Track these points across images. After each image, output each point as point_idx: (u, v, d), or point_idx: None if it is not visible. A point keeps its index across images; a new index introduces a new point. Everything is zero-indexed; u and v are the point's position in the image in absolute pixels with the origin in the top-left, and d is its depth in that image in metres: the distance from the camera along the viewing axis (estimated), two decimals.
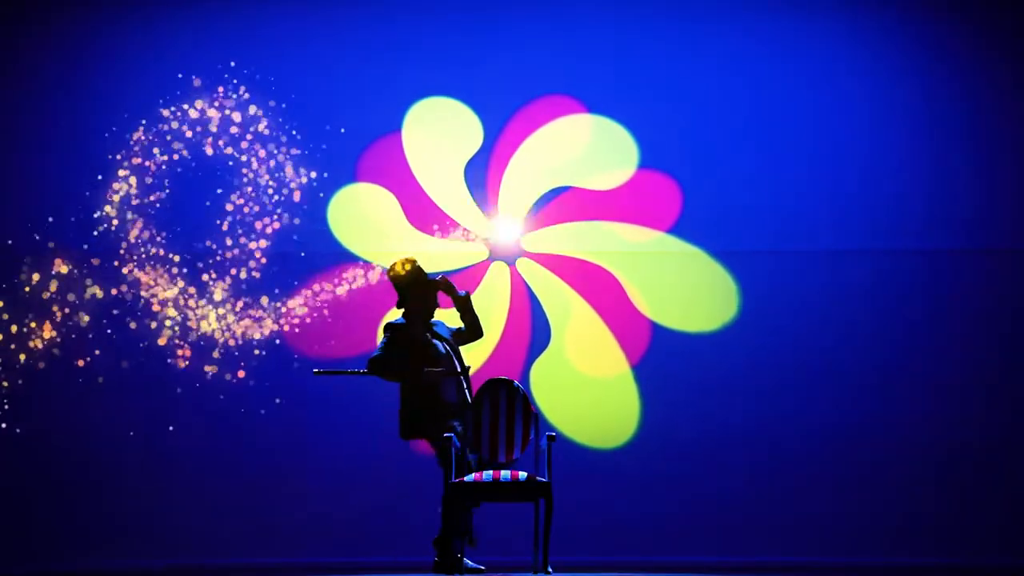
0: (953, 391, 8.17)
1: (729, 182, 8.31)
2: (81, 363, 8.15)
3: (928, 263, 8.27)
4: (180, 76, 8.31)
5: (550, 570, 6.41)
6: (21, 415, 8.10)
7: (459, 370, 6.74)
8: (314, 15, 8.41)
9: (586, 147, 8.40)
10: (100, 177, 8.24)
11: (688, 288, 8.30)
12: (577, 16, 8.42)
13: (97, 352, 8.16)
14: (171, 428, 8.10)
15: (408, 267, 6.84)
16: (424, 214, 8.34)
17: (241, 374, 8.17)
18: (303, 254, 8.28)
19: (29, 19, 8.36)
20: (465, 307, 6.92)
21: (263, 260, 8.27)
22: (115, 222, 8.27)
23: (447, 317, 7.05)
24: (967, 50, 8.40)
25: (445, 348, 6.77)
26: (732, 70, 8.38)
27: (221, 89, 8.32)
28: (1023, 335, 8.21)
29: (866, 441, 8.12)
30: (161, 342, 8.19)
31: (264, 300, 8.27)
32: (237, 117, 8.33)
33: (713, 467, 8.11)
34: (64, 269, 8.21)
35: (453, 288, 6.90)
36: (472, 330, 6.96)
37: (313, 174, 8.32)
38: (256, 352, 8.22)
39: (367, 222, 8.35)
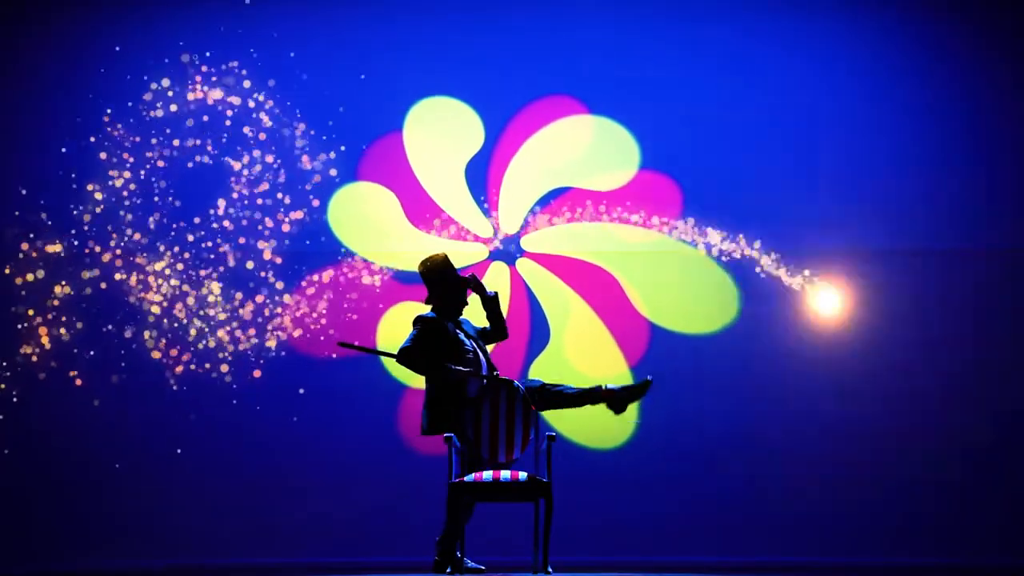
0: (953, 391, 8.16)
1: (729, 183, 8.31)
2: (81, 365, 8.16)
3: (928, 263, 8.26)
4: (178, 76, 8.32)
5: (550, 570, 6.40)
6: (21, 415, 8.11)
7: (486, 371, 6.69)
8: (314, 15, 8.41)
9: (587, 148, 8.40)
10: (95, 177, 8.26)
11: (688, 289, 8.30)
12: (578, 16, 8.42)
13: (96, 352, 8.17)
14: (179, 451, 8.11)
15: (438, 262, 6.79)
16: (425, 213, 8.34)
17: (257, 373, 8.18)
18: (303, 253, 8.29)
19: (29, 19, 8.36)
20: (492, 307, 6.89)
21: (277, 260, 8.27)
22: (96, 209, 8.27)
23: (471, 316, 7.01)
24: (967, 50, 8.40)
25: (472, 346, 6.75)
26: (732, 70, 8.38)
27: (221, 89, 8.32)
28: (1023, 335, 8.22)
29: (866, 441, 8.12)
30: (156, 346, 8.19)
31: (260, 299, 8.27)
32: (238, 117, 8.34)
33: (713, 467, 8.11)
34: (65, 268, 8.22)
35: (482, 287, 6.86)
36: (497, 330, 6.93)
37: (316, 172, 8.34)
38: (256, 352, 8.22)
39: (367, 221, 8.34)
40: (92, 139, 8.27)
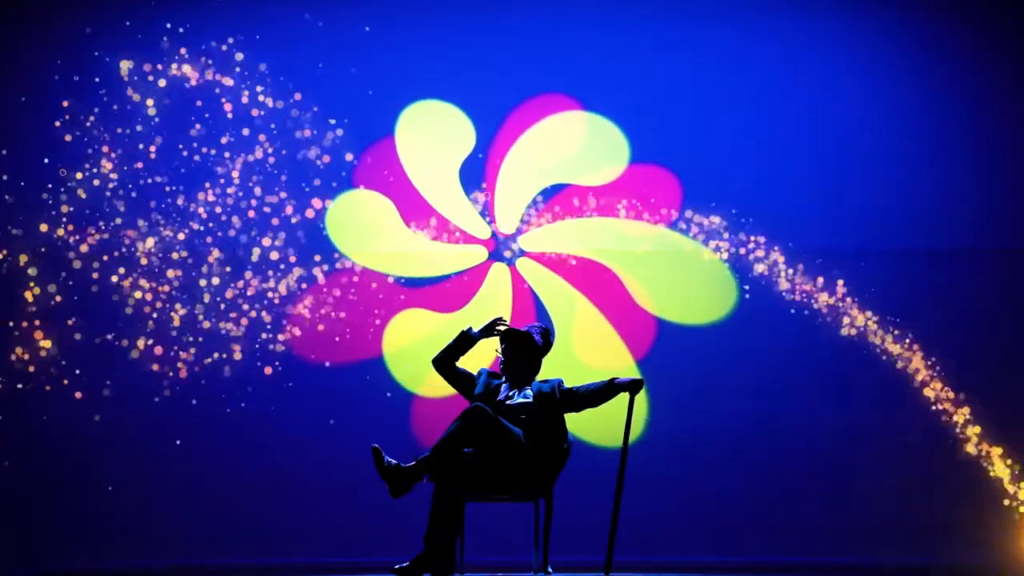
0: (954, 391, 8.17)
1: (729, 181, 8.31)
2: (80, 366, 8.15)
3: (928, 263, 8.27)
4: (177, 75, 8.31)
5: (550, 570, 6.40)
6: (20, 415, 8.10)
7: (509, 410, 6.52)
8: (314, 15, 8.40)
9: (583, 145, 8.39)
10: (81, 170, 8.26)
11: (687, 285, 8.30)
12: (576, 14, 8.41)
13: (95, 353, 8.16)
14: (178, 442, 8.11)
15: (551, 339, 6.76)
16: (421, 217, 8.33)
17: (268, 370, 8.18)
18: (302, 255, 8.29)
19: (29, 19, 8.36)
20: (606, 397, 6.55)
21: (291, 257, 8.27)
22: (80, 199, 8.27)
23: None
24: (967, 50, 8.40)
25: (516, 399, 6.55)
26: (732, 70, 8.38)
27: (218, 81, 8.33)
28: (1023, 336, 8.22)
29: (867, 441, 8.12)
30: (154, 347, 8.19)
31: (252, 291, 8.27)
32: (234, 117, 8.34)
33: (713, 467, 8.11)
34: (62, 265, 8.22)
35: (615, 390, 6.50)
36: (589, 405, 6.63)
37: (316, 176, 8.34)
38: (256, 352, 8.22)
39: (364, 226, 8.33)
40: (92, 143, 8.27)
